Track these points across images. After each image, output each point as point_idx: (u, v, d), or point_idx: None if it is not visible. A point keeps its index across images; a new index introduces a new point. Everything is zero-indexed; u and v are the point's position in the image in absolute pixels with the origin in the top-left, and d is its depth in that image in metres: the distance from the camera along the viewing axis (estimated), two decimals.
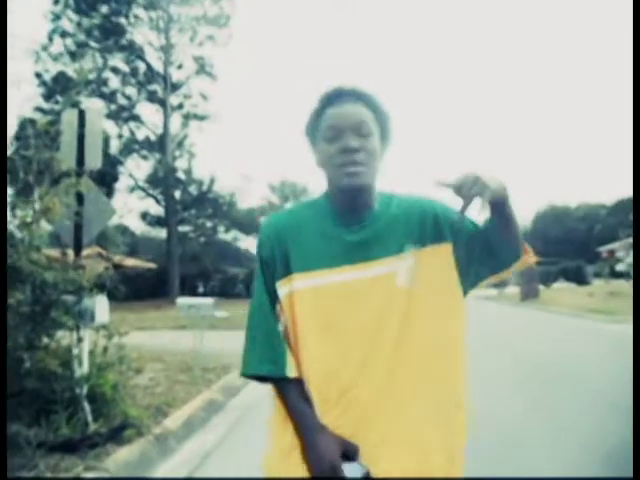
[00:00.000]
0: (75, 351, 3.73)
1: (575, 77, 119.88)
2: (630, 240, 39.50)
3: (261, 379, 1.28)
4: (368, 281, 1.22)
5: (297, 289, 1.24)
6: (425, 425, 1.21)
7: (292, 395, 1.22)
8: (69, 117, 4.35)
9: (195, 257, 30.68)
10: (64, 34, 25.58)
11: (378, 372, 1.20)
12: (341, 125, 1.21)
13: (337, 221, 1.27)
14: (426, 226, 1.26)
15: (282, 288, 1.26)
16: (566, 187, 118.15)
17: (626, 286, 23.79)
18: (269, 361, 1.24)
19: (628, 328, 11.32)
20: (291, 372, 1.23)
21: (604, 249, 45.17)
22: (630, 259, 37.36)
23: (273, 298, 1.27)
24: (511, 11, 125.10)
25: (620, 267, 37.17)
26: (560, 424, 4.34)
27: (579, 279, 31.90)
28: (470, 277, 1.29)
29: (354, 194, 1.23)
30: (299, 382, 1.23)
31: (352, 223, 1.26)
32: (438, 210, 1.28)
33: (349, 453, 1.17)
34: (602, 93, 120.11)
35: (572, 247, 58.28)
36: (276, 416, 1.29)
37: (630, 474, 1.81)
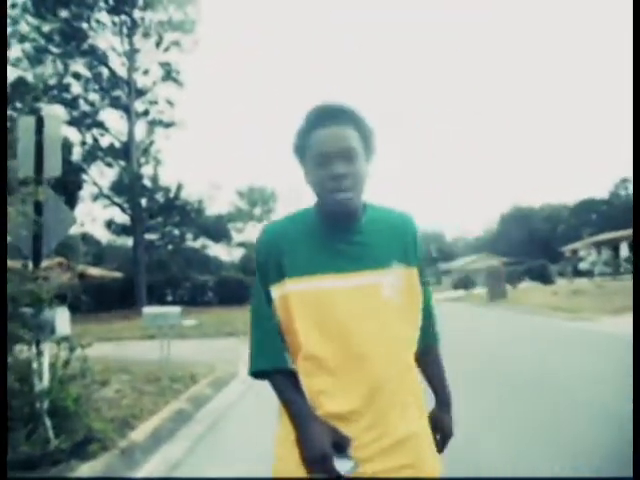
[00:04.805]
0: (34, 365, 3.61)
1: (537, 78, 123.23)
2: (592, 239, 40.82)
3: (260, 375, 1.36)
4: (351, 290, 1.30)
5: (290, 292, 1.32)
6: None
7: (287, 387, 1.31)
8: (26, 124, 4.23)
9: (163, 265, 30.17)
10: (23, 39, 24.94)
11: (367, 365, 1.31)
12: (329, 151, 1.27)
13: (326, 231, 1.36)
14: (408, 246, 1.38)
15: (275, 291, 1.34)
16: (530, 188, 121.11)
17: (588, 284, 24.49)
18: (267, 356, 1.34)
19: (591, 325, 11.71)
20: (287, 365, 1.33)
21: (567, 248, 46.40)
22: (592, 258, 38.57)
23: (269, 299, 1.36)
24: (484, 9, 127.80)
25: (582, 266, 38.26)
26: (527, 421, 4.42)
27: (544, 278, 32.60)
28: None
29: (343, 215, 1.33)
30: (293, 374, 1.32)
31: (340, 234, 1.35)
32: (412, 235, 1.41)
33: (341, 444, 1.20)
34: (564, 95, 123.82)
35: (537, 247, 59.68)
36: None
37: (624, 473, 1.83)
